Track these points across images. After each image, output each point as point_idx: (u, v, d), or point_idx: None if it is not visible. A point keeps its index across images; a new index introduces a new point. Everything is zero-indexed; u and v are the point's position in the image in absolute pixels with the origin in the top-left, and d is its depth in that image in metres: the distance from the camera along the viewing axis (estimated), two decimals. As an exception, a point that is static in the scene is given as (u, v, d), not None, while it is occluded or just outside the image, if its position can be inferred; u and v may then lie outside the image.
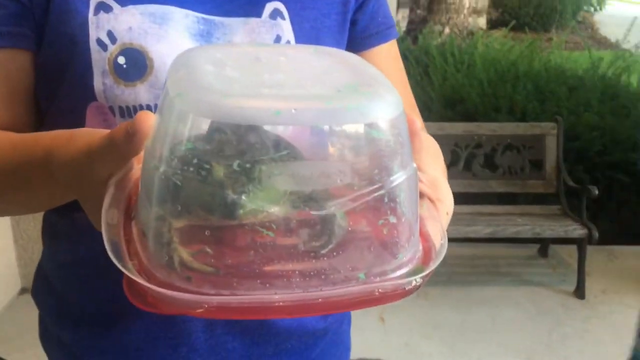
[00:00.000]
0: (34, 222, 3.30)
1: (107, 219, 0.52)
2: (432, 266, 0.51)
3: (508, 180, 3.92)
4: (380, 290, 0.47)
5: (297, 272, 0.46)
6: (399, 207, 0.48)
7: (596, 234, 3.42)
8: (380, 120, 0.46)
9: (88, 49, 0.74)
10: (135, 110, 0.75)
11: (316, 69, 0.54)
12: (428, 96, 5.33)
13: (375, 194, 0.47)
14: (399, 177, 0.48)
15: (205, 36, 0.77)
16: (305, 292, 0.45)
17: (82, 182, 0.57)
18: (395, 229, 0.49)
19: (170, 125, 0.47)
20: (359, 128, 0.46)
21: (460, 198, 3.88)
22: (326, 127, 0.45)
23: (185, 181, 0.46)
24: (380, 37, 0.91)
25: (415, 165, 0.51)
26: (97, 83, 0.74)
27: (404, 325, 3.23)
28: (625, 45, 6.03)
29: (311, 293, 0.45)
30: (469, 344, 3.10)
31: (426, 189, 0.58)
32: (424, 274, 0.50)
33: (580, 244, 3.52)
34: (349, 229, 0.47)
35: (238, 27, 0.79)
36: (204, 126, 0.45)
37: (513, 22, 8.47)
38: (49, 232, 0.91)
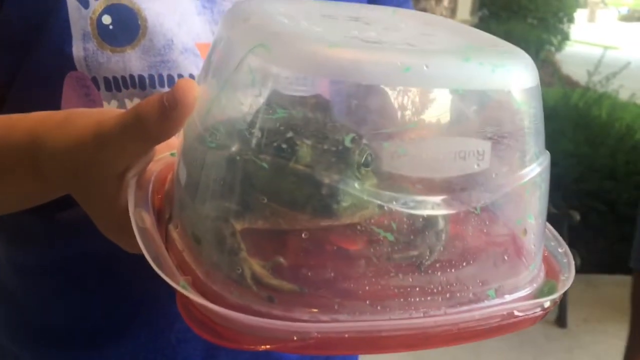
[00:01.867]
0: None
1: (138, 222, 0.40)
2: (568, 281, 0.39)
3: (487, 207, 3.87)
4: (518, 311, 0.35)
5: (417, 289, 0.34)
6: (538, 203, 0.37)
7: (578, 260, 3.36)
8: (525, 87, 0.35)
9: (64, 5, 0.59)
10: (125, 82, 0.61)
11: (409, 29, 0.42)
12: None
13: (516, 185, 0.35)
14: (539, 164, 0.36)
15: None
16: (427, 317, 0.33)
17: (87, 174, 0.45)
18: (533, 232, 0.37)
19: (244, 89, 0.35)
20: (504, 95, 0.34)
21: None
22: (461, 91, 0.34)
23: (272, 165, 0.33)
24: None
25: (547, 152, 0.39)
26: (77, 49, 0.60)
27: (383, 358, 3.10)
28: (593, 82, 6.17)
29: (437, 317, 0.33)
30: (450, 375, 2.98)
31: None
32: (561, 291, 0.38)
33: (561, 271, 3.48)
34: (484, 230, 0.35)
35: None
36: (301, 87, 0.33)
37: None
38: (10, 228, 0.73)
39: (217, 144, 0.36)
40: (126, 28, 0.60)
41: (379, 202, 0.33)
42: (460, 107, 0.34)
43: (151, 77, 0.61)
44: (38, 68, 0.61)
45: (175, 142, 0.45)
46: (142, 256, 0.46)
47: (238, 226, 0.35)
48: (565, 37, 12.96)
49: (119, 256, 0.55)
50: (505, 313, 0.35)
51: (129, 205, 0.41)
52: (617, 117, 5.24)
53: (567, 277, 0.40)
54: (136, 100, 0.60)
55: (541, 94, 0.36)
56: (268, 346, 0.33)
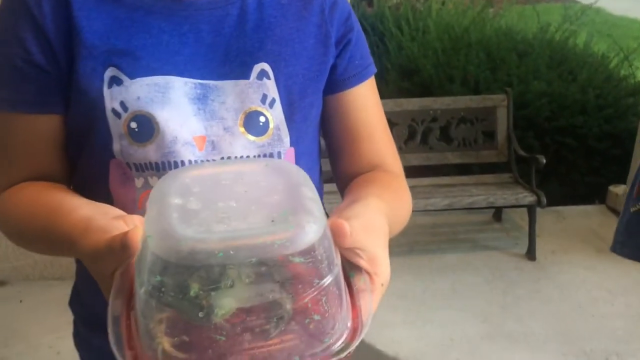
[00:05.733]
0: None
1: (113, 312, 0.65)
2: (352, 346, 0.67)
3: (463, 152, 4.11)
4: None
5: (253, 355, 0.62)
6: (322, 306, 0.65)
7: (544, 200, 3.60)
8: (300, 250, 0.62)
9: (105, 117, 0.89)
10: (147, 166, 0.91)
11: (262, 190, 0.68)
12: (384, 66, 5.46)
13: (303, 302, 0.63)
14: (332, 275, 0.64)
15: (202, 99, 0.92)
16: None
17: (97, 270, 0.69)
18: (320, 323, 0.65)
19: (147, 257, 0.62)
20: (285, 257, 0.62)
21: (418, 171, 4.06)
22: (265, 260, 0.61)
23: (165, 299, 0.61)
24: (358, 78, 1.03)
25: (339, 263, 0.66)
26: (116, 145, 0.90)
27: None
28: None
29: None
30: (431, 311, 3.24)
31: (365, 264, 0.72)
32: (345, 353, 0.66)
33: (530, 209, 3.71)
34: (284, 328, 0.64)
35: (230, 89, 0.93)
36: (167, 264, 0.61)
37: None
38: None
39: (139, 281, 0.63)
40: (146, 130, 0.90)
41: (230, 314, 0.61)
42: (261, 264, 0.62)
43: (163, 162, 0.91)
44: (92, 155, 0.93)
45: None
46: None
47: (159, 317, 0.63)
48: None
49: None
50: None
51: (110, 298, 0.66)
52: (593, 49, 5.32)
53: (353, 344, 0.67)
54: (155, 179, 0.91)
55: (328, 237, 0.63)
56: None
